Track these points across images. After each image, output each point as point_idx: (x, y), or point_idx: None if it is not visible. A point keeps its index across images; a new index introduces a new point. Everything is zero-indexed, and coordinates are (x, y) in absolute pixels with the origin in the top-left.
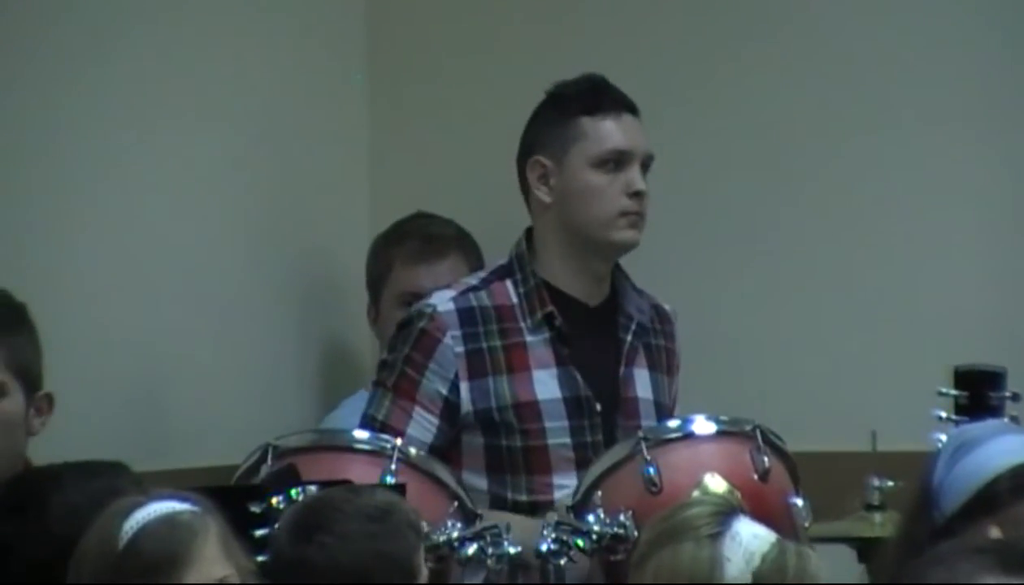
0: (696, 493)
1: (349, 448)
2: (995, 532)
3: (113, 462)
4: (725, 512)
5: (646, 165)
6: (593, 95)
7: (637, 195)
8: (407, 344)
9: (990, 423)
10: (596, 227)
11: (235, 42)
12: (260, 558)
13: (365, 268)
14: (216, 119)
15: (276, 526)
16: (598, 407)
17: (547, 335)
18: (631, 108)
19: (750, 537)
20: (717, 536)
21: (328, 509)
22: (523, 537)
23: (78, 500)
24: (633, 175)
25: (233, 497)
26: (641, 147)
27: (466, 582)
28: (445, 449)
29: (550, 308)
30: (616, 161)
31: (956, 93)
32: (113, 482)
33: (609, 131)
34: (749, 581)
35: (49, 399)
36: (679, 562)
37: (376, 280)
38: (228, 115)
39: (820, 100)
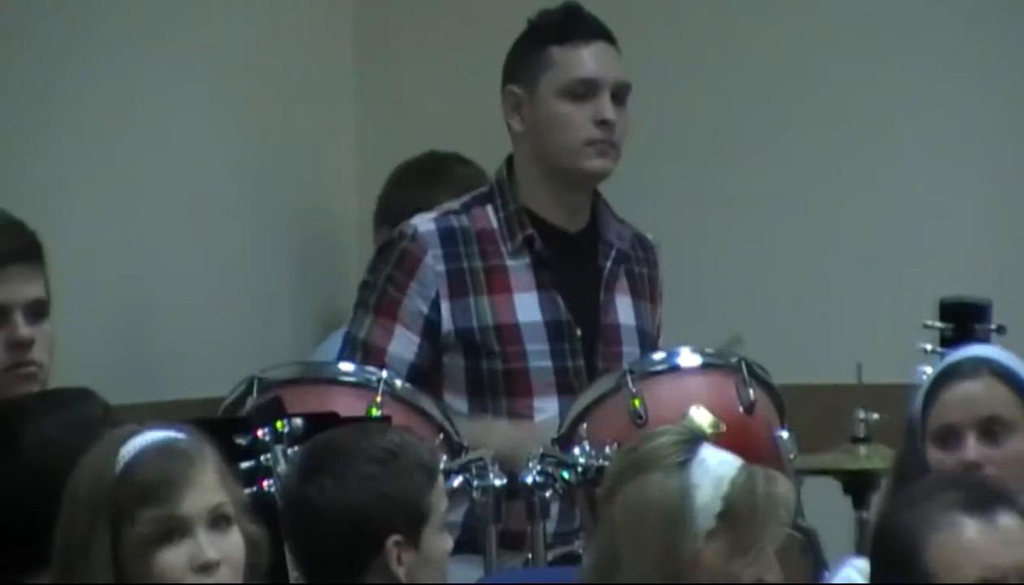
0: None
1: (335, 381)
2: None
3: (80, 389)
4: (690, 440)
5: (619, 94)
6: (564, 24)
7: (605, 123)
8: (388, 264)
9: (971, 346)
10: (564, 156)
11: None
12: (246, 491)
13: (387, 201)
14: (208, 61)
15: (289, 464)
16: (578, 332)
17: (527, 260)
18: (604, 36)
19: (717, 463)
20: (684, 464)
21: (332, 450)
22: (508, 445)
23: (48, 431)
24: (601, 104)
25: (219, 429)
26: (611, 75)
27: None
28: (427, 370)
29: (530, 231)
30: (585, 90)
31: (948, 22)
32: (83, 410)
33: (577, 60)
34: (719, 507)
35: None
36: (647, 493)
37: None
38: (220, 56)
39: (808, 28)
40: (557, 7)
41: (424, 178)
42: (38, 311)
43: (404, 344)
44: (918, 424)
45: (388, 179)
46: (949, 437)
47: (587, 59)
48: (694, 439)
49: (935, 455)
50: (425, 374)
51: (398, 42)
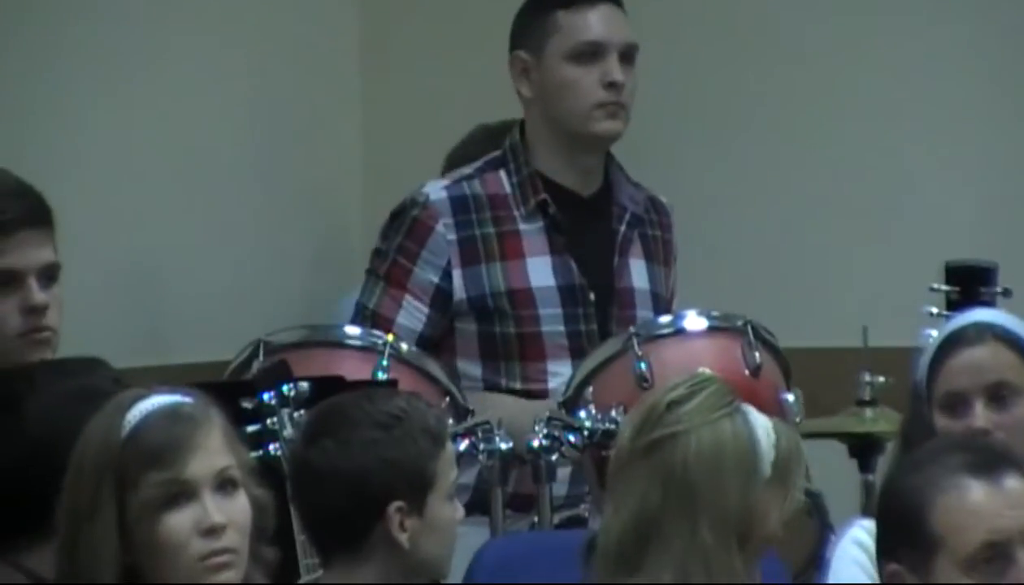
0: None
1: (340, 344)
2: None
3: (90, 358)
4: (727, 390)
5: (627, 55)
6: None
7: (613, 85)
8: (400, 233)
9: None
10: (574, 120)
11: None
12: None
13: (461, 155)
14: (215, 30)
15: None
16: (592, 296)
17: (541, 223)
18: None
19: (754, 414)
20: (739, 411)
21: (336, 414)
22: (516, 422)
23: (52, 401)
24: (609, 66)
25: (225, 393)
26: (618, 37)
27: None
28: (436, 339)
29: (543, 196)
30: (592, 53)
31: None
32: (90, 380)
33: (584, 23)
34: (772, 455)
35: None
36: (723, 438)
37: None
38: (227, 24)
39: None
40: None
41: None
42: (51, 275)
43: (413, 315)
44: (923, 389)
45: (465, 138)
46: (956, 404)
47: (593, 22)
48: (727, 389)
49: (942, 422)
50: (435, 342)
51: (404, 19)
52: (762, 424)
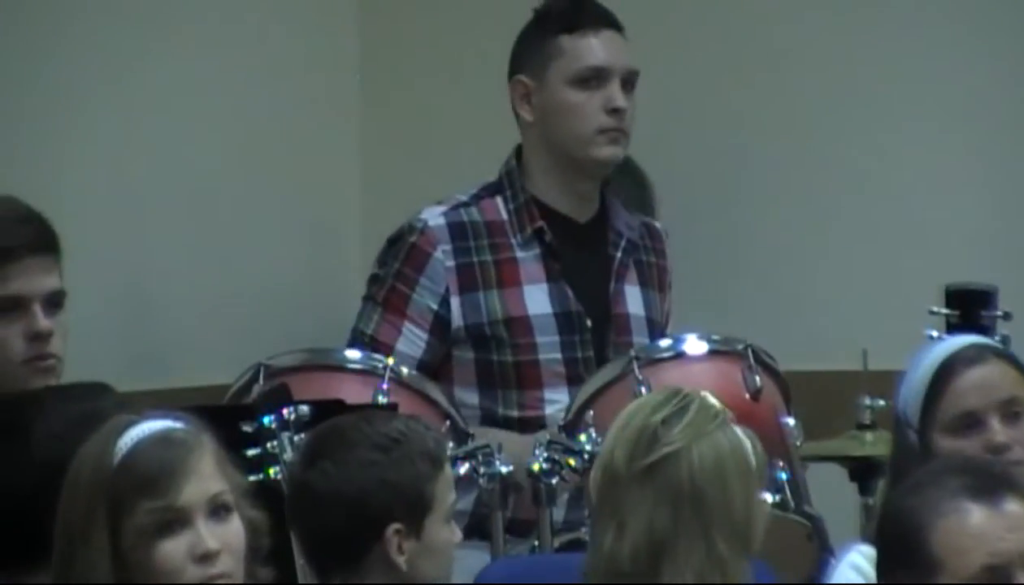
0: None
1: (341, 367)
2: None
3: (96, 383)
4: (712, 404)
5: (629, 81)
6: (572, 12)
7: (616, 111)
8: (398, 259)
9: (952, 335)
10: (576, 144)
11: None
12: (252, 478)
13: None
14: (212, 45)
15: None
16: (588, 323)
17: (538, 251)
18: (612, 23)
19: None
20: (727, 422)
21: (336, 436)
22: (515, 454)
23: (58, 426)
24: (612, 91)
25: (225, 417)
26: (620, 63)
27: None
28: (435, 365)
29: (540, 223)
30: (594, 78)
31: (952, 15)
32: (95, 405)
33: (586, 48)
34: (756, 463)
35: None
36: (723, 451)
37: None
38: (224, 42)
39: (814, 18)
40: None
41: None
42: (56, 302)
43: (412, 341)
44: (911, 417)
45: None
46: (969, 424)
47: (596, 47)
48: (710, 401)
49: (951, 444)
50: (433, 369)
51: (403, 46)
52: (746, 434)
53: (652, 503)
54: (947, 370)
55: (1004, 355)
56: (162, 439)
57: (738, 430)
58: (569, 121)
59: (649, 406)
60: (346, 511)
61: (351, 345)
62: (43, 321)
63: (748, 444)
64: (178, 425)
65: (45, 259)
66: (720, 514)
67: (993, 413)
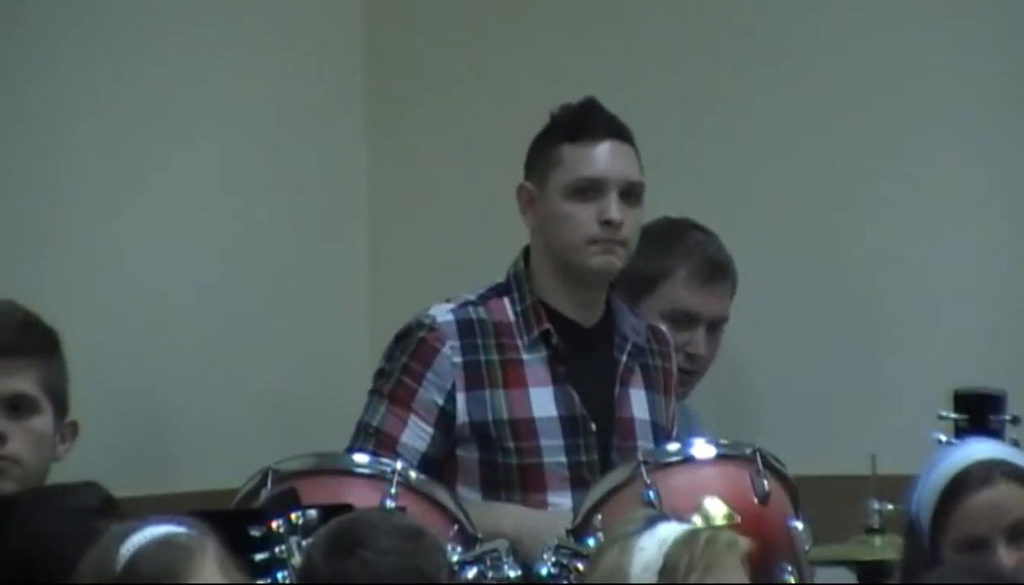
0: (697, 518)
1: (349, 472)
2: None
3: (82, 483)
4: (654, 517)
5: (630, 192)
6: (576, 121)
7: (609, 224)
8: (405, 353)
9: (968, 439)
10: (570, 253)
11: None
12: (260, 582)
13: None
14: (215, 143)
15: (309, 545)
16: (593, 426)
17: (544, 353)
18: (616, 133)
19: (668, 529)
20: (636, 533)
21: (366, 527)
22: (521, 529)
23: (32, 524)
24: (606, 203)
25: (233, 521)
26: (618, 174)
27: None
28: (439, 460)
29: (547, 326)
30: (590, 189)
31: (958, 118)
32: (72, 502)
33: (583, 158)
34: (660, 563)
35: (74, 427)
36: (601, 562)
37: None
38: (228, 138)
39: (817, 112)
40: (574, 103)
41: (661, 245)
42: (16, 405)
43: (417, 434)
44: (923, 525)
45: None
46: (975, 546)
47: (594, 158)
48: (660, 516)
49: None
50: (438, 465)
51: (411, 131)
52: (659, 538)
53: None
54: (956, 490)
55: (1013, 474)
56: (164, 544)
57: (703, 530)
58: (563, 230)
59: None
60: None
61: (356, 438)
62: None
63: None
64: (180, 530)
65: (10, 362)
66: None
67: (999, 537)
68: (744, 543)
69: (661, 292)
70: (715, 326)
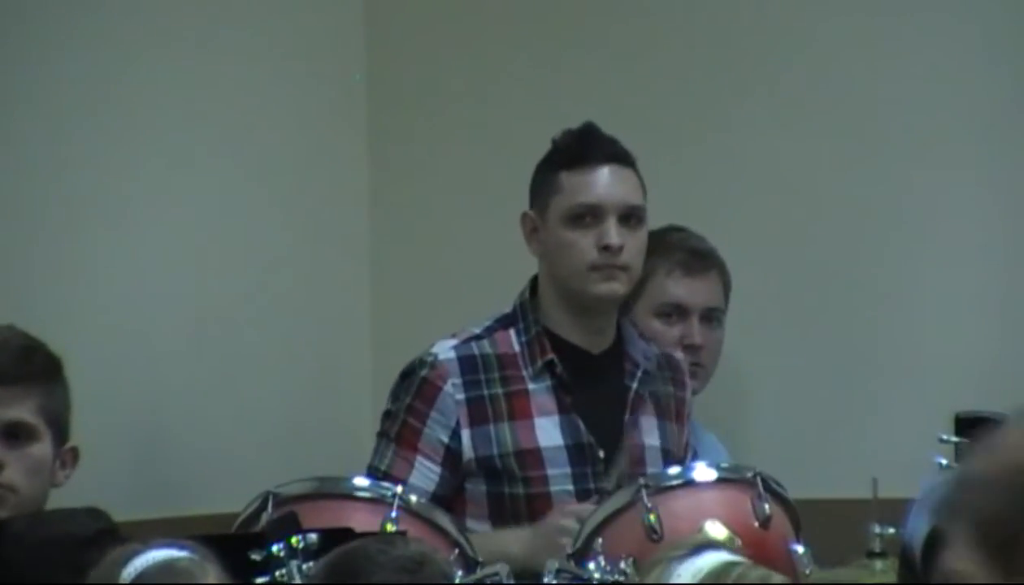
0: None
1: (350, 496)
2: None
3: (85, 509)
4: (703, 545)
5: (631, 216)
6: (574, 147)
7: (608, 249)
8: (409, 394)
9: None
10: (572, 280)
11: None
12: None
13: None
14: (220, 179)
15: (309, 576)
16: (601, 454)
17: (549, 382)
18: (615, 158)
19: (709, 560)
20: (679, 559)
21: (363, 560)
22: (527, 553)
23: (20, 551)
24: (605, 228)
25: (234, 545)
26: (614, 199)
27: None
28: (448, 497)
29: (551, 356)
30: (589, 215)
31: (959, 138)
32: (64, 528)
33: (582, 185)
34: None
35: (75, 453)
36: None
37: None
38: (233, 175)
39: (820, 141)
40: (574, 130)
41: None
42: (15, 434)
43: (425, 475)
44: (917, 560)
45: None
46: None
47: (592, 184)
48: (707, 544)
49: None
50: (447, 502)
51: (413, 168)
52: (695, 568)
53: None
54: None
55: None
56: (166, 568)
57: (738, 564)
58: (564, 258)
59: None
60: None
61: None
62: None
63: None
64: (183, 554)
65: (7, 390)
66: None
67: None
68: (779, 580)
69: (648, 291)
70: (709, 317)
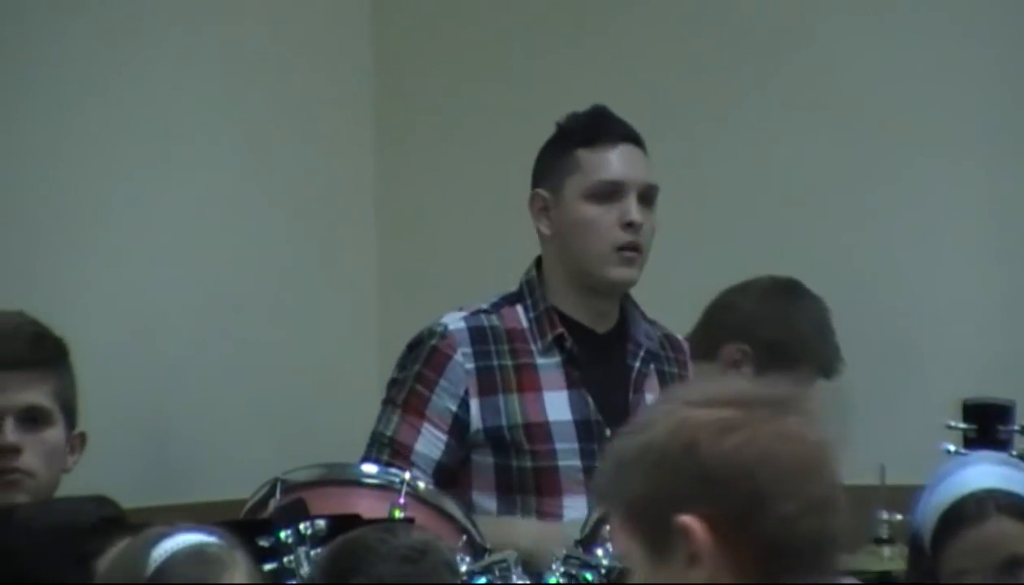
0: None
1: (357, 482)
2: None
3: (92, 497)
4: None
5: (647, 196)
6: (590, 127)
7: (631, 226)
8: (418, 361)
9: (974, 454)
10: (591, 262)
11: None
12: None
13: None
14: (228, 161)
15: (314, 565)
16: (608, 432)
17: (558, 358)
18: (630, 138)
19: None
20: None
21: (362, 550)
22: (534, 544)
23: (23, 540)
24: (627, 205)
25: (242, 531)
26: (637, 177)
27: None
28: (454, 467)
29: (560, 330)
30: (611, 192)
31: (965, 126)
32: (67, 518)
33: (602, 162)
34: None
35: (83, 438)
36: None
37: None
38: (241, 156)
39: (822, 132)
40: (584, 110)
41: (787, 299)
42: (32, 418)
43: (431, 442)
44: (925, 541)
45: (745, 293)
46: (967, 579)
47: (613, 161)
48: None
49: None
50: (452, 472)
51: (419, 145)
52: None
53: None
54: (949, 522)
55: (1007, 508)
56: (196, 554)
57: None
58: (584, 236)
59: None
60: None
61: (369, 448)
62: (10, 436)
63: None
64: (212, 539)
65: (23, 374)
66: None
67: (990, 571)
68: None
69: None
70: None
